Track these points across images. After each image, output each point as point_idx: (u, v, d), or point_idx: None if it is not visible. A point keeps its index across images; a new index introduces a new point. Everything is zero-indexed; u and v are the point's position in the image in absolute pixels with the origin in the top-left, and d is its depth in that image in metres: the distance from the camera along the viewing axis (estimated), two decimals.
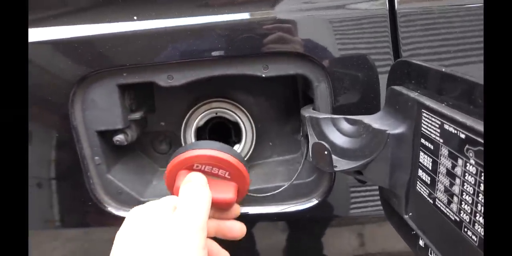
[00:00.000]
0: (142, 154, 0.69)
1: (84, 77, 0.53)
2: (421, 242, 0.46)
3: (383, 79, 0.52)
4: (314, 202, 0.59)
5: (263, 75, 0.53)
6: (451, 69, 0.39)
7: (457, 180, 0.34)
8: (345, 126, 0.50)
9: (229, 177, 0.50)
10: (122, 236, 0.42)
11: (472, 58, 0.51)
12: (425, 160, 0.40)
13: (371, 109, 0.53)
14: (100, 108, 0.55)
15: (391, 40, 0.50)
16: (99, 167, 0.59)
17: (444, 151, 0.36)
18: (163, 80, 0.54)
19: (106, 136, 0.59)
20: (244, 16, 0.50)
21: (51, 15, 0.51)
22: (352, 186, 0.59)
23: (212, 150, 0.49)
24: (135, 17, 0.50)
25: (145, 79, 0.54)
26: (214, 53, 0.51)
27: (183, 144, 0.65)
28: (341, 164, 0.49)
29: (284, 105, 0.66)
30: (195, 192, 0.45)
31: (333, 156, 0.50)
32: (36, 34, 0.51)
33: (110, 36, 0.51)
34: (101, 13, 0.51)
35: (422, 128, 0.39)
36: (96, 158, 0.58)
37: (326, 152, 0.48)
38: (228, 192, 0.49)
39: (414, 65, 0.41)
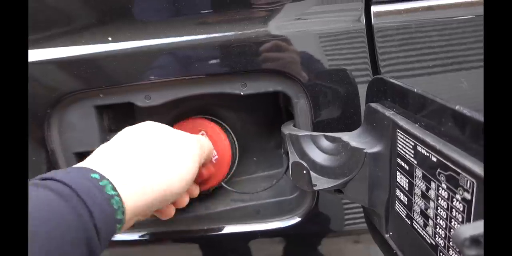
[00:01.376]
0: None
1: (60, 99, 0.52)
2: None
3: (362, 94, 0.52)
4: (297, 219, 0.58)
5: (242, 93, 0.52)
6: (425, 87, 0.39)
7: (431, 203, 0.33)
8: (325, 143, 0.49)
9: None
10: (128, 130, 0.48)
11: (450, 73, 0.50)
12: (402, 180, 0.39)
13: (352, 125, 0.52)
14: (78, 130, 0.55)
15: (369, 55, 0.50)
16: None
17: (418, 172, 0.35)
18: (140, 100, 0.53)
19: (84, 157, 0.58)
20: (220, 35, 0.49)
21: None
22: (336, 203, 0.58)
23: None
24: (109, 38, 0.50)
25: (123, 100, 0.53)
26: (191, 72, 0.50)
27: None
28: (321, 182, 0.48)
29: (267, 120, 0.65)
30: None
31: (313, 174, 0.49)
32: None
33: (85, 57, 0.50)
34: (75, 34, 0.50)
35: (398, 148, 0.38)
36: None
37: (305, 172, 0.48)
38: None
39: (389, 83, 0.40)
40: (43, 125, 0.53)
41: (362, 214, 0.57)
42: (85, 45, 0.50)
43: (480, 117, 0.26)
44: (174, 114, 0.63)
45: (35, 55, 0.51)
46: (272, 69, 0.50)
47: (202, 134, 0.60)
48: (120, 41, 0.50)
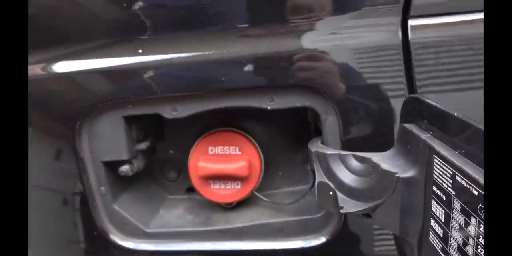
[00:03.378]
0: (151, 182, 0.69)
1: (90, 110, 0.53)
2: None
3: (397, 112, 0.49)
4: (322, 240, 0.56)
5: (269, 108, 0.51)
6: (465, 107, 0.35)
7: (471, 241, 0.30)
8: (354, 163, 0.47)
9: (240, 152, 0.59)
10: None
11: None
12: (437, 210, 0.36)
13: (384, 144, 0.49)
14: (106, 140, 0.55)
15: (405, 71, 0.47)
16: (105, 197, 0.59)
17: (457, 205, 0.32)
18: (167, 112, 0.53)
19: (112, 166, 0.59)
20: (249, 48, 0.48)
21: (60, 53, 0.52)
22: (365, 225, 0.55)
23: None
24: (140, 51, 0.50)
25: (150, 111, 0.53)
26: (218, 86, 0.50)
27: None
28: (348, 205, 0.45)
29: (294, 134, 0.63)
30: None
31: (340, 195, 0.47)
32: (43, 68, 0.52)
33: (115, 69, 0.51)
34: (107, 47, 0.51)
35: (434, 175, 0.35)
36: (102, 188, 0.58)
37: (331, 193, 0.45)
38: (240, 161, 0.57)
39: (426, 104, 0.37)
40: (74, 135, 0.54)
41: (392, 238, 0.53)
42: (116, 58, 0.51)
43: None
44: (201, 125, 0.63)
45: (67, 66, 0.52)
46: (301, 85, 0.49)
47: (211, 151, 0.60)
48: (150, 54, 0.50)
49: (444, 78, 0.48)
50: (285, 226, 0.58)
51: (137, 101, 0.53)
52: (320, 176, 0.49)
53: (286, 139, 0.64)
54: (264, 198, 0.61)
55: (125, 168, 0.57)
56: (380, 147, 0.49)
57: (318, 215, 0.57)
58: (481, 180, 0.27)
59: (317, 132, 0.60)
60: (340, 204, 0.45)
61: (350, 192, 0.46)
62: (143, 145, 0.59)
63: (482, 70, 0.46)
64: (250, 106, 0.51)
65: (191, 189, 0.69)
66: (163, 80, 0.51)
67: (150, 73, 0.50)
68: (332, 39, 0.47)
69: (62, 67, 0.52)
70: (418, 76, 0.48)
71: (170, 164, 0.68)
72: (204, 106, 0.52)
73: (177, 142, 0.65)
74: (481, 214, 0.28)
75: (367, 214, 0.45)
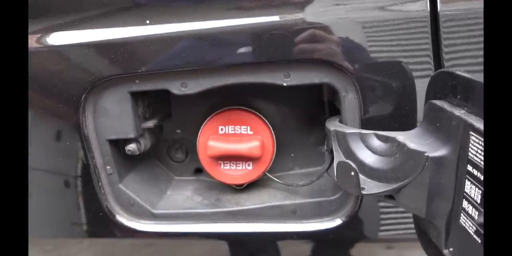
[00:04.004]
0: (158, 162, 0.66)
1: (95, 84, 0.50)
2: None
3: (421, 90, 0.46)
4: (338, 222, 0.54)
5: (284, 84, 0.48)
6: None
7: None
8: (376, 143, 0.44)
9: (251, 132, 0.56)
10: None
11: None
12: (472, 190, 0.33)
13: (406, 124, 0.47)
14: (112, 116, 0.52)
15: (432, 46, 0.44)
16: (111, 176, 0.56)
17: None
18: (176, 88, 0.50)
19: (118, 144, 0.56)
20: (264, 19, 0.45)
21: (60, 22, 0.48)
22: (381, 207, 0.53)
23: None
24: (147, 21, 0.47)
25: (158, 86, 0.50)
26: (231, 60, 0.47)
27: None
28: (369, 186, 0.43)
29: (308, 114, 0.60)
30: None
31: (361, 176, 0.44)
32: (45, 40, 0.49)
33: (121, 41, 0.48)
34: (112, 16, 0.48)
35: (469, 153, 0.33)
36: (108, 167, 0.56)
37: (353, 173, 0.43)
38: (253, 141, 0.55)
39: (460, 78, 0.34)
40: (78, 110, 0.51)
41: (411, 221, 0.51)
42: (122, 27, 0.47)
43: None
44: (210, 103, 0.60)
45: (70, 37, 0.49)
46: (320, 59, 0.46)
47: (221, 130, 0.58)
48: (158, 25, 0.47)
49: (474, 57, 0.45)
50: (298, 208, 0.56)
51: (144, 75, 0.50)
52: (339, 156, 0.47)
53: (299, 119, 0.61)
54: (277, 180, 0.59)
55: (131, 147, 0.55)
56: (402, 127, 0.47)
57: (333, 197, 0.55)
58: None
59: (332, 112, 0.57)
60: (362, 186, 0.43)
61: (371, 173, 0.44)
62: (150, 123, 0.56)
63: None
64: (264, 82, 0.48)
65: (199, 170, 0.67)
66: (172, 53, 0.47)
67: (159, 46, 0.47)
68: (352, 10, 0.44)
69: (64, 38, 0.49)
70: (446, 54, 0.45)
71: (177, 144, 0.65)
72: (216, 82, 0.49)
73: (185, 121, 0.63)
74: None
75: (390, 196, 0.43)
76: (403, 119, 0.47)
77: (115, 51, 0.48)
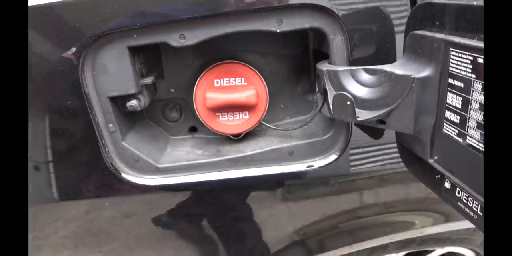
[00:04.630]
0: (152, 123, 0.68)
1: (93, 40, 0.51)
2: (446, 184, 0.47)
3: (398, 30, 0.52)
4: (332, 158, 0.60)
5: (278, 30, 0.52)
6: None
7: None
8: (365, 77, 0.50)
9: (246, 83, 0.60)
10: None
11: None
12: (453, 100, 0.40)
13: (387, 61, 0.53)
14: (112, 73, 0.54)
15: None
16: (114, 134, 0.58)
17: (477, 86, 0.36)
18: (175, 40, 0.52)
19: (118, 102, 0.58)
20: None
21: None
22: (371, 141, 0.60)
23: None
24: None
25: (156, 40, 0.52)
26: (227, 9, 0.50)
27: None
28: (362, 114, 0.49)
29: (294, 65, 0.65)
30: None
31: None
32: None
33: None
34: None
35: (450, 68, 0.39)
36: (110, 125, 0.57)
37: (348, 103, 0.49)
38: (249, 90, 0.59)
39: (437, 5, 0.40)
40: (77, 68, 0.52)
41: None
42: None
43: None
44: (202, 60, 0.63)
45: None
46: (311, 4, 0.50)
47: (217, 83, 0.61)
48: None
49: None
50: (294, 149, 0.61)
51: (142, 29, 0.51)
52: (332, 93, 0.52)
53: (286, 70, 0.66)
54: (272, 126, 0.63)
55: (133, 103, 0.56)
56: (384, 63, 0.53)
57: (325, 137, 0.61)
58: None
59: (317, 59, 0.62)
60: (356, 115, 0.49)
61: (363, 104, 0.50)
62: (148, 80, 0.58)
63: None
64: (259, 30, 0.52)
65: (193, 129, 0.70)
66: (169, 4, 0.49)
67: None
68: None
69: None
70: None
71: (171, 104, 0.67)
72: (213, 32, 0.52)
73: (178, 80, 0.65)
74: None
75: (380, 121, 0.49)
76: (385, 57, 0.53)
77: (112, 5, 0.49)
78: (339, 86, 0.51)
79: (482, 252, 1.08)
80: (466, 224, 0.84)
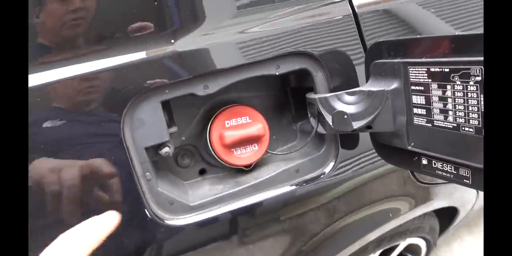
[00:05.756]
0: (168, 171, 0.74)
1: (133, 100, 0.59)
2: (424, 161, 0.65)
3: (356, 63, 0.73)
4: (330, 166, 0.75)
5: (277, 73, 0.68)
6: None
7: (449, 100, 0.55)
8: (348, 98, 0.68)
9: (250, 120, 0.72)
10: None
11: None
12: (417, 99, 0.60)
13: (353, 85, 0.73)
14: (148, 126, 0.61)
15: (359, 36, 0.73)
16: (150, 182, 0.63)
17: (434, 85, 0.57)
18: (200, 90, 0.64)
19: (151, 152, 0.64)
20: (263, 31, 0.65)
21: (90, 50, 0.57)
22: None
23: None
24: (172, 41, 0.60)
25: (185, 92, 0.63)
26: (240, 62, 0.64)
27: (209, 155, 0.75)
28: (355, 124, 0.67)
29: (278, 102, 0.81)
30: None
31: None
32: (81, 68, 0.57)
33: (153, 59, 0.59)
34: (141, 40, 0.59)
35: (411, 79, 0.60)
36: (147, 174, 0.63)
37: (345, 116, 0.66)
38: (257, 124, 0.71)
39: (389, 42, 0.62)
40: (120, 126, 0.59)
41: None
42: (150, 49, 0.60)
43: (474, 33, 0.49)
44: (208, 107, 0.74)
45: (107, 62, 0.57)
46: (301, 52, 0.68)
47: (228, 124, 0.73)
48: (183, 42, 0.61)
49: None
50: (299, 167, 0.75)
51: (173, 84, 0.62)
52: (326, 115, 0.69)
53: (273, 107, 0.81)
54: (277, 153, 0.76)
55: (166, 149, 0.64)
56: (352, 87, 0.73)
57: (321, 152, 0.76)
58: (450, 60, 0.52)
59: (295, 96, 0.80)
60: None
61: (353, 117, 0.68)
62: (173, 129, 0.67)
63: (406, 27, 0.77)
64: (264, 74, 0.67)
65: (202, 171, 0.77)
66: (197, 62, 0.62)
67: (185, 59, 0.61)
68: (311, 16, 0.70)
69: (103, 63, 0.57)
70: (367, 38, 0.74)
71: (183, 151, 0.75)
72: (230, 80, 0.66)
73: (187, 128, 0.74)
74: (454, 79, 0.53)
75: (368, 126, 0.67)
76: (352, 82, 0.73)
77: (149, 68, 0.59)
78: (330, 108, 0.69)
79: (430, 238, 1.30)
80: (418, 212, 1.05)
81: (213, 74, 0.64)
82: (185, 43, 0.61)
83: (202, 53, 0.62)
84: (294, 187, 0.73)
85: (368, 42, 0.74)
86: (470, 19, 0.87)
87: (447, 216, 1.30)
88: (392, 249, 1.23)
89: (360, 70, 0.72)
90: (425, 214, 1.12)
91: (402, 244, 1.22)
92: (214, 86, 0.65)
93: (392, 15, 0.76)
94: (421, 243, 1.30)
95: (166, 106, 0.67)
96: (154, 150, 0.65)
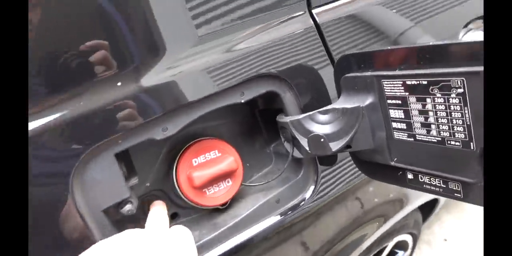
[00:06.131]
0: (135, 223, 0.65)
1: (82, 157, 0.50)
2: (409, 176, 0.62)
3: (327, 79, 0.68)
4: (311, 189, 0.70)
5: (242, 101, 0.61)
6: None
7: (430, 113, 0.51)
8: (321, 117, 0.63)
9: (220, 153, 0.66)
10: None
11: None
12: (395, 113, 0.56)
13: (325, 101, 0.68)
14: (102, 184, 0.52)
15: (325, 48, 0.68)
16: None
17: (412, 99, 0.52)
18: (158, 134, 0.56)
19: (110, 213, 0.55)
20: (221, 57, 0.58)
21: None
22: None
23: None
24: (118, 83, 0.52)
25: (142, 138, 0.55)
26: (200, 95, 0.57)
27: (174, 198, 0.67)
28: (334, 145, 0.61)
29: (248, 127, 0.74)
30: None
31: None
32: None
33: (97, 109, 0.51)
34: (81, 88, 0.50)
35: (386, 93, 0.55)
36: None
37: (322, 140, 0.60)
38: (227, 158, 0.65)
39: (357, 54, 0.58)
40: (68, 190, 0.49)
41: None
42: (94, 96, 0.51)
43: (450, 43, 0.45)
44: (169, 147, 0.66)
45: (47, 120, 0.48)
46: (265, 74, 0.62)
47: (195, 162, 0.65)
48: (129, 84, 0.52)
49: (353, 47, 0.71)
50: (279, 197, 0.69)
51: (127, 133, 0.53)
52: (301, 138, 0.64)
53: (242, 133, 0.74)
54: (254, 184, 0.70)
55: (128, 207, 0.55)
56: (325, 104, 0.67)
57: (299, 177, 0.70)
58: (427, 72, 0.48)
59: (264, 119, 0.73)
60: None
61: (329, 138, 0.62)
62: (134, 180, 0.58)
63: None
64: (228, 104, 0.60)
65: (174, 215, 0.69)
66: (150, 103, 0.54)
67: (137, 101, 0.53)
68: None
69: (43, 122, 0.48)
70: (332, 48, 0.69)
71: (149, 197, 0.67)
72: (190, 117, 0.58)
73: (150, 172, 0.66)
74: (433, 92, 0.49)
75: (347, 146, 0.62)
76: (324, 99, 0.68)
77: (94, 120, 0.50)
78: (304, 130, 0.63)
79: (416, 232, 1.30)
80: (405, 212, 1.03)
81: (171, 114, 0.56)
82: (134, 83, 0.53)
83: (155, 92, 0.54)
84: (277, 218, 0.67)
85: (334, 52, 0.69)
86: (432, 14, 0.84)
87: (428, 206, 1.30)
88: (380, 251, 1.21)
89: (331, 85, 0.67)
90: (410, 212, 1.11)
91: (390, 244, 1.21)
92: (173, 127, 0.57)
93: (356, 20, 0.72)
94: (408, 238, 1.29)
95: (122, 155, 0.58)
96: (114, 209, 0.56)
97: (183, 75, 0.56)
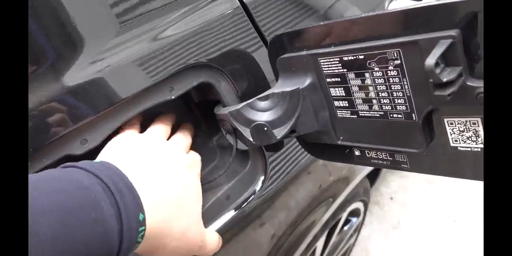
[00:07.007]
0: None
1: None
2: (357, 153, 0.61)
3: (262, 61, 0.64)
4: (261, 179, 0.67)
5: (173, 97, 0.55)
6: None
7: (370, 88, 0.50)
8: (261, 104, 0.59)
9: None
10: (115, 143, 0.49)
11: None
12: (336, 92, 0.54)
13: (265, 85, 0.64)
14: None
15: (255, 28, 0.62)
16: None
17: (351, 75, 0.50)
18: (77, 148, 0.48)
19: None
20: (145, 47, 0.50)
21: None
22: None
23: None
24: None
25: (57, 156, 0.47)
26: (121, 96, 0.50)
27: None
28: (278, 132, 0.58)
29: (188, 122, 0.68)
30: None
31: None
32: None
33: None
34: None
35: (324, 71, 0.53)
36: None
37: (265, 129, 0.57)
38: None
39: (291, 33, 0.54)
40: None
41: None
42: None
43: (385, 12, 0.43)
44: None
45: None
46: (195, 63, 0.55)
47: None
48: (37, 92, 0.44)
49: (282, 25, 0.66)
50: (230, 192, 0.65)
51: (35, 151, 0.45)
52: (243, 129, 0.59)
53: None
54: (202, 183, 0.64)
55: None
56: (265, 89, 0.63)
57: (247, 168, 0.67)
58: (362, 46, 0.46)
59: (200, 110, 0.68)
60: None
61: (272, 125, 0.59)
62: None
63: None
64: (157, 103, 0.54)
65: None
66: (60, 113, 0.46)
67: (48, 113, 0.44)
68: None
69: None
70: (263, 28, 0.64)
71: None
72: (114, 123, 0.50)
73: None
74: (371, 66, 0.47)
75: (292, 131, 0.59)
76: (263, 83, 0.64)
77: None
78: (246, 121, 0.59)
79: (366, 198, 1.36)
80: (356, 182, 1.06)
81: (89, 123, 0.48)
82: (44, 91, 0.44)
83: (65, 99, 0.46)
84: (231, 214, 0.64)
85: (266, 33, 0.65)
86: None
87: (374, 171, 1.35)
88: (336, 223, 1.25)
89: (268, 69, 0.63)
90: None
91: (344, 215, 1.25)
92: (95, 138, 0.49)
93: None
94: (360, 205, 1.34)
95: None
96: None
97: (102, 75, 0.48)
